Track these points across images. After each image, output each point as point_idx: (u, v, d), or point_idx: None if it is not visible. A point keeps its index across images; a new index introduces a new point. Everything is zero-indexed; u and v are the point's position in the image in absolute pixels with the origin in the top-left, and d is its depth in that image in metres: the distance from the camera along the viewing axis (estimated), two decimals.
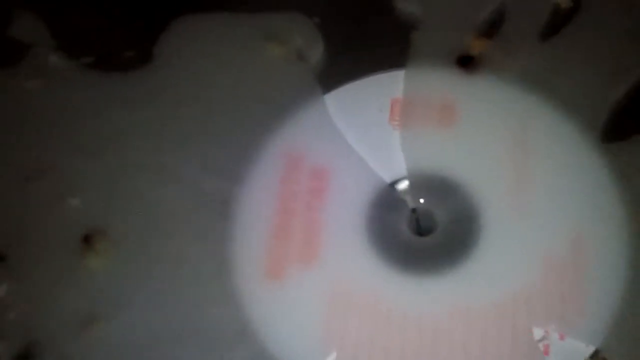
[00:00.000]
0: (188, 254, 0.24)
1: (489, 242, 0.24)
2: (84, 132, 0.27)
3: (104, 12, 0.30)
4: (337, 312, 0.23)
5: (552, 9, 0.28)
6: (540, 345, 0.22)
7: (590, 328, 0.22)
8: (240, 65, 0.28)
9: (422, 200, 0.25)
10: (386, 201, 0.25)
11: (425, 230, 0.25)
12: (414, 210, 0.25)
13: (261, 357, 0.23)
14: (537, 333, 0.22)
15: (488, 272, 0.23)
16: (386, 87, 0.27)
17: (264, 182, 0.25)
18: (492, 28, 0.28)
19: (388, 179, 0.25)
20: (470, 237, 0.24)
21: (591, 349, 0.22)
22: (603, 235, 0.24)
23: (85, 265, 0.24)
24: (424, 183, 0.25)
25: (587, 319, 0.22)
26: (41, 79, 0.28)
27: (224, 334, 0.23)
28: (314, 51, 0.28)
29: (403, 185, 0.25)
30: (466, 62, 0.27)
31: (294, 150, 0.26)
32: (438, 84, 0.27)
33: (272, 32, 0.29)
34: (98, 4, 0.30)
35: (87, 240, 0.25)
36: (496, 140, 0.26)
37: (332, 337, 0.23)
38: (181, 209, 0.25)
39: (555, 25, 0.28)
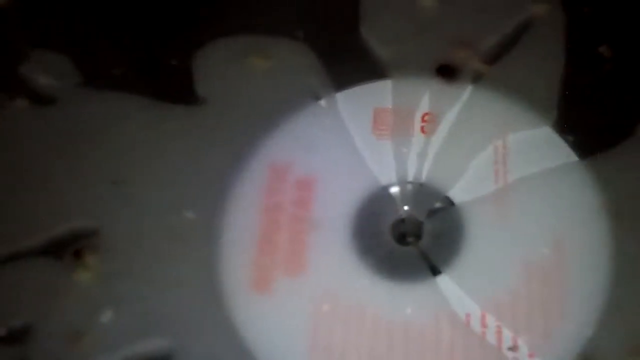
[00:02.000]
0: (175, 271, 0.24)
1: (472, 250, 0.24)
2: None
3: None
4: (325, 322, 0.23)
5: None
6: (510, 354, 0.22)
7: (572, 333, 0.23)
8: (224, 77, 0.29)
9: (405, 208, 0.26)
10: (370, 210, 0.26)
11: (411, 237, 0.25)
12: (402, 220, 0.26)
13: None
14: (506, 342, 0.23)
15: (471, 278, 0.24)
16: (369, 97, 0.28)
17: (249, 194, 0.26)
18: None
19: (371, 188, 0.26)
20: (453, 244, 0.24)
21: (574, 354, 0.22)
22: (583, 240, 0.24)
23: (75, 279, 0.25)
24: (407, 191, 0.26)
25: (570, 323, 0.23)
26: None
27: (213, 348, 0.23)
28: (297, 64, 0.29)
29: (389, 192, 0.26)
30: (447, 72, 0.28)
31: (279, 161, 0.26)
32: (420, 93, 0.28)
33: (256, 46, 0.29)
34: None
35: (77, 254, 0.25)
36: (477, 149, 0.26)
37: (320, 347, 0.23)
38: (165, 223, 0.25)
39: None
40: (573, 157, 0.25)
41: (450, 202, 0.25)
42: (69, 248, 0.25)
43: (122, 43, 0.30)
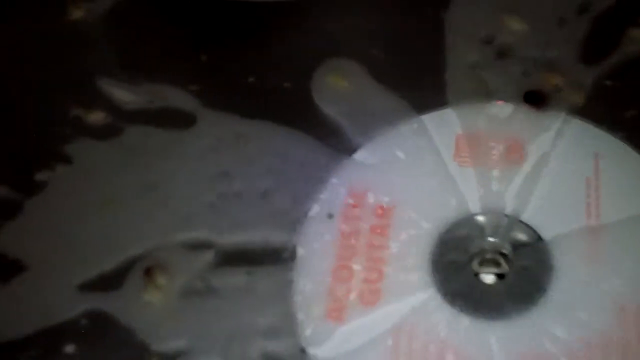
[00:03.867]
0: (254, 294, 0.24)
1: (561, 287, 0.23)
2: None
3: None
4: (400, 356, 0.22)
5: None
6: None
7: None
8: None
9: (491, 240, 0.24)
10: (451, 240, 0.24)
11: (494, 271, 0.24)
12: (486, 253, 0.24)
13: None
14: None
15: (559, 318, 0.22)
16: (451, 123, 0.27)
17: (326, 221, 0.25)
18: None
19: (453, 217, 0.25)
20: (540, 280, 0.23)
21: None
22: None
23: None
24: (492, 222, 0.25)
25: None
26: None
27: None
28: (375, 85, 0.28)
29: (471, 224, 0.25)
30: (535, 98, 0.27)
31: (358, 186, 0.26)
32: (505, 120, 0.26)
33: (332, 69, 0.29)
34: None
35: (148, 273, 0.25)
36: (566, 179, 0.25)
37: None
38: (244, 247, 0.25)
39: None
40: None
41: (538, 237, 0.24)
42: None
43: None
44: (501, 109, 0.27)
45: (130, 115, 0.29)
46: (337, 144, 0.27)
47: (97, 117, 0.29)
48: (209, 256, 0.25)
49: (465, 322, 0.23)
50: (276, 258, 0.24)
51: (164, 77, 0.30)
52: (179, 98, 0.29)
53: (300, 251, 0.24)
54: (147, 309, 0.24)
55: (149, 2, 0.32)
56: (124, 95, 0.29)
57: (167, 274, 0.24)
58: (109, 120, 0.28)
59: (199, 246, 0.25)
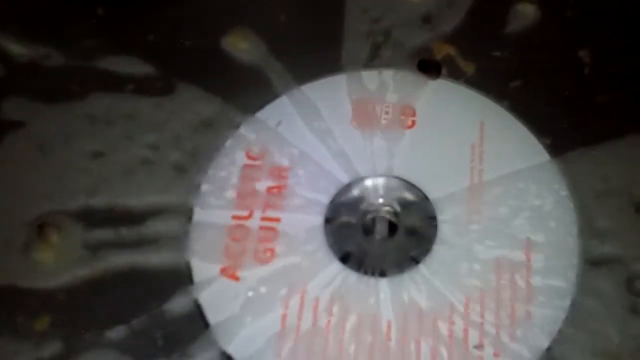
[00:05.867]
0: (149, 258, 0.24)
1: (444, 245, 0.24)
2: None
3: None
4: (293, 312, 0.23)
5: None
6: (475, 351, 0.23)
7: (538, 333, 0.23)
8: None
9: (380, 201, 0.25)
10: (344, 202, 0.25)
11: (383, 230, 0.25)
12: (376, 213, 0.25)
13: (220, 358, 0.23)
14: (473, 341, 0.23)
15: (442, 273, 0.24)
16: (347, 88, 0.27)
17: (224, 182, 0.25)
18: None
19: (347, 179, 0.26)
20: (425, 238, 0.24)
21: (539, 354, 0.23)
22: (552, 240, 0.24)
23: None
24: (383, 184, 0.26)
25: (536, 324, 0.23)
26: None
27: (183, 335, 0.23)
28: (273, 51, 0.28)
29: (362, 185, 0.26)
30: (428, 66, 0.28)
31: (254, 149, 0.26)
32: (398, 86, 0.27)
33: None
34: None
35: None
36: (453, 145, 0.26)
37: (287, 335, 0.23)
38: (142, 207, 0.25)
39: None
40: (545, 156, 0.26)
41: (424, 197, 0.25)
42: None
43: None
44: (395, 75, 0.28)
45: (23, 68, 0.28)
46: (238, 103, 0.27)
47: None
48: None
49: (355, 279, 0.24)
50: (173, 219, 0.25)
51: (58, 31, 0.29)
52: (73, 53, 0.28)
53: (197, 212, 0.25)
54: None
55: None
56: (16, 48, 0.28)
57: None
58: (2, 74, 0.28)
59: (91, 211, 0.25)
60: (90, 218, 0.25)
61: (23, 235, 0.24)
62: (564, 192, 0.25)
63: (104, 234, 0.24)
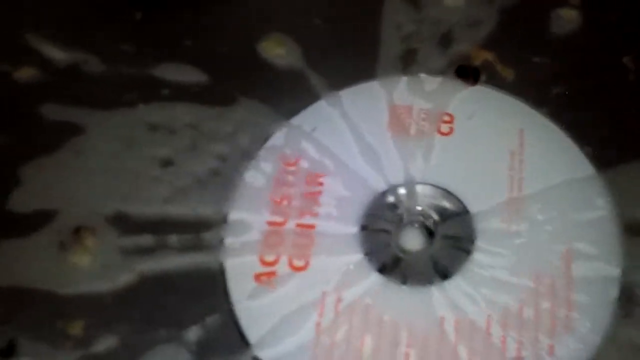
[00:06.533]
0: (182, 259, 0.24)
1: (482, 255, 0.24)
2: None
3: None
4: (327, 319, 0.23)
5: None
6: None
7: (579, 344, 0.22)
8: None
9: (419, 208, 0.25)
10: (380, 209, 0.25)
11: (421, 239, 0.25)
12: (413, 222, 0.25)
13: None
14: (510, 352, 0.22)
15: (480, 285, 0.23)
16: (385, 94, 0.27)
17: (259, 188, 0.25)
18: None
19: (384, 186, 0.25)
20: (463, 249, 0.24)
21: None
22: (593, 254, 0.23)
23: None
24: (420, 192, 0.25)
25: (575, 338, 0.22)
26: None
27: (217, 342, 0.23)
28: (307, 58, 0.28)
29: (399, 193, 0.25)
30: (466, 73, 0.27)
31: (290, 155, 0.26)
32: (437, 93, 0.27)
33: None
34: None
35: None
36: (492, 151, 0.26)
37: (321, 344, 0.22)
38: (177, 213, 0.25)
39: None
40: (589, 168, 0.25)
41: (463, 207, 0.25)
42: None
43: None
44: (433, 82, 0.27)
45: (62, 72, 0.28)
46: (273, 109, 0.27)
47: (26, 73, 0.28)
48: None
49: (390, 288, 0.23)
50: (207, 226, 0.25)
51: (96, 35, 0.29)
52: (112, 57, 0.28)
53: (232, 217, 0.25)
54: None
55: None
56: (54, 52, 0.29)
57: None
58: (40, 78, 0.28)
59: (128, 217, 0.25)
60: (126, 224, 0.25)
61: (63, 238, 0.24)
62: (607, 206, 0.24)
63: (140, 240, 0.24)
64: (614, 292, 0.23)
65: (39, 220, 0.25)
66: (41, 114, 0.27)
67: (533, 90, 0.27)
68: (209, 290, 0.23)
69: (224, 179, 0.26)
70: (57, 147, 0.26)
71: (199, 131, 0.27)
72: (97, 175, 0.26)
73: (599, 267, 0.23)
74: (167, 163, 0.26)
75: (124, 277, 0.24)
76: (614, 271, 0.23)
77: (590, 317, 0.22)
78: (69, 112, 0.27)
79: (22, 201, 0.25)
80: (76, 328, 0.23)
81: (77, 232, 0.24)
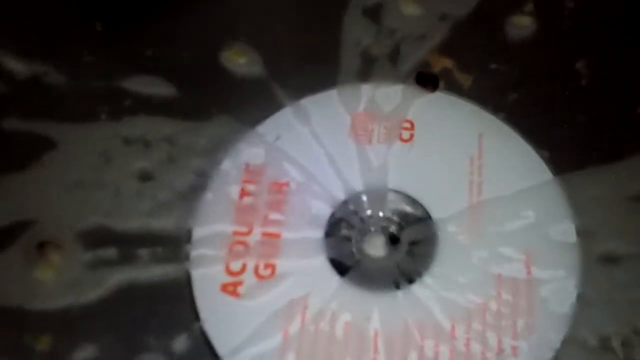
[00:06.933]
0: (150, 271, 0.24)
1: (445, 260, 0.24)
2: None
3: None
4: (295, 327, 0.23)
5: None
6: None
7: (541, 345, 0.23)
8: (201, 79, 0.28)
9: (381, 214, 0.26)
10: (344, 216, 0.25)
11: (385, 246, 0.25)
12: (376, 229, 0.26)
13: None
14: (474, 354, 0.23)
15: (444, 289, 0.24)
16: (347, 101, 0.28)
17: (223, 197, 0.25)
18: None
19: (347, 193, 0.26)
20: (426, 254, 0.24)
21: None
22: (553, 257, 0.24)
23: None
24: (381, 198, 0.26)
25: (538, 336, 0.23)
26: None
27: (181, 350, 0.23)
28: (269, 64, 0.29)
29: (362, 200, 0.26)
30: (426, 80, 0.28)
31: (253, 163, 0.26)
32: (397, 99, 0.27)
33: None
34: None
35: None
36: (452, 156, 0.26)
37: (288, 350, 0.23)
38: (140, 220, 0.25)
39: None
40: (548, 173, 0.26)
41: (426, 213, 0.25)
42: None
43: None
44: (393, 90, 0.28)
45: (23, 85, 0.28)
46: (236, 118, 0.27)
47: None
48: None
49: (355, 294, 0.24)
50: (172, 238, 0.25)
51: (57, 48, 0.29)
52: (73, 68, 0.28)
53: (197, 227, 0.25)
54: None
55: None
56: (14, 65, 0.28)
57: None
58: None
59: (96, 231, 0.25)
60: (93, 238, 0.25)
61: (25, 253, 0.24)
62: (564, 209, 0.25)
63: (106, 253, 0.24)
64: (572, 295, 0.24)
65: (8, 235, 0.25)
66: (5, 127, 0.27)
67: (490, 96, 0.28)
68: (176, 302, 0.24)
69: (189, 190, 0.26)
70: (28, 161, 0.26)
71: (172, 144, 0.27)
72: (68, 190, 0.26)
73: (558, 271, 0.24)
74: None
75: (91, 291, 0.24)
76: (572, 275, 0.24)
77: (550, 318, 0.23)
78: (37, 126, 0.27)
79: None
80: (43, 343, 0.23)
81: (42, 246, 0.24)
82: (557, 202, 0.25)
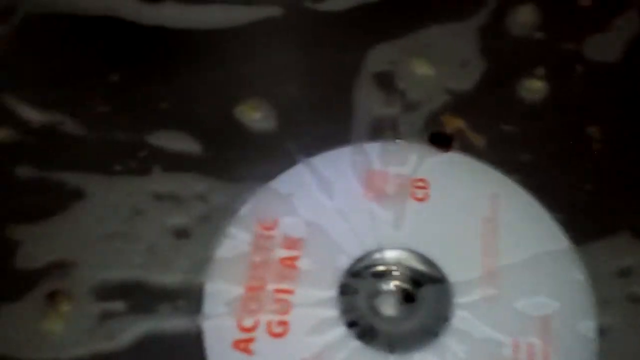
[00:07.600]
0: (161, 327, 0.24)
1: (461, 322, 0.24)
2: None
3: None
4: None
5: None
6: None
7: None
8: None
9: (395, 274, 0.25)
10: (358, 274, 0.25)
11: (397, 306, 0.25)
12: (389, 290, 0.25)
13: None
14: None
15: (458, 352, 0.23)
16: (360, 159, 0.28)
17: (237, 251, 0.25)
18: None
19: (361, 251, 0.25)
20: (441, 315, 0.24)
21: None
22: (570, 322, 0.24)
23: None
24: (396, 257, 0.26)
25: None
26: None
27: None
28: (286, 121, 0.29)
29: (375, 258, 0.26)
30: (440, 139, 0.28)
31: (267, 218, 0.26)
32: (411, 159, 0.28)
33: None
34: None
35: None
36: (466, 216, 0.26)
37: None
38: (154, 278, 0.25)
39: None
40: (563, 240, 0.26)
41: (440, 273, 0.25)
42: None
43: None
44: (408, 148, 0.28)
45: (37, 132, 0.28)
46: (249, 173, 0.27)
47: (1, 134, 0.28)
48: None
49: (369, 355, 0.23)
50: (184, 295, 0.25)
51: (73, 97, 0.29)
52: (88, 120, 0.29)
53: (210, 282, 0.25)
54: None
55: (59, 19, 0.31)
56: (30, 113, 0.29)
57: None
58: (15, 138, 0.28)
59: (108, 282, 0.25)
60: (104, 289, 0.25)
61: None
62: (580, 277, 0.25)
63: (116, 305, 0.24)
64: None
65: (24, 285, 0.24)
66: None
67: (503, 157, 0.28)
68: (187, 357, 0.23)
69: (200, 244, 0.26)
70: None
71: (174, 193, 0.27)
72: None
73: (575, 337, 0.24)
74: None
75: (102, 344, 0.23)
76: (590, 341, 0.24)
77: None
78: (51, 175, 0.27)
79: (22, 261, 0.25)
80: None
81: (52, 296, 0.24)
82: (574, 269, 0.25)
